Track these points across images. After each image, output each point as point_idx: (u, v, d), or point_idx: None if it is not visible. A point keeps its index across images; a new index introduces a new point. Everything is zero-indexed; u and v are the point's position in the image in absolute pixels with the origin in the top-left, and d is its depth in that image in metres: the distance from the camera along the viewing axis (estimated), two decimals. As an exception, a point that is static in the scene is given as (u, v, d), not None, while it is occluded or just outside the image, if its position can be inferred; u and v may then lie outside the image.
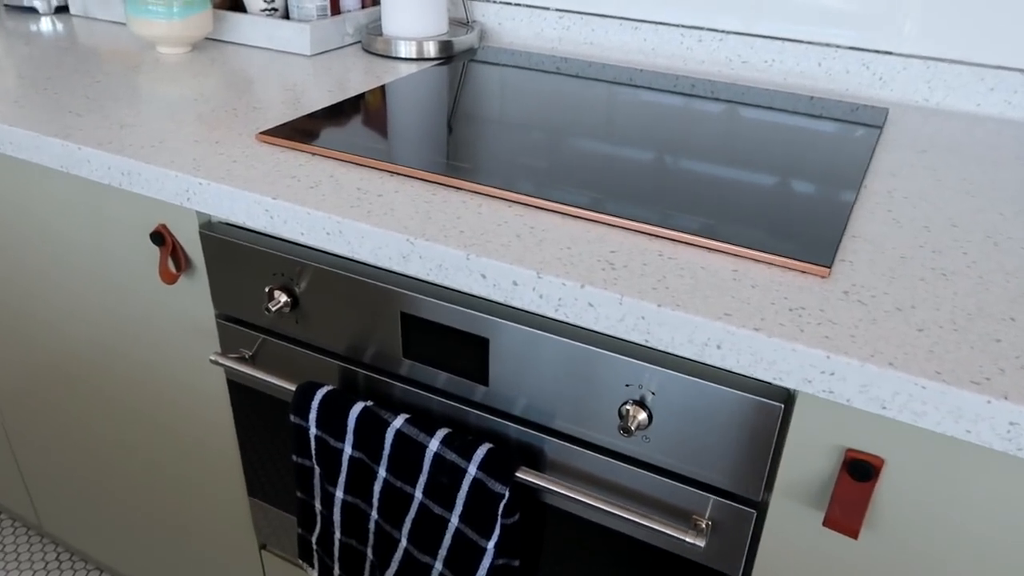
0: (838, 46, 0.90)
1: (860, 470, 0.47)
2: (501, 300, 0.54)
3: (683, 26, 0.97)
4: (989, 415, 0.43)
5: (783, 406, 0.50)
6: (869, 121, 0.82)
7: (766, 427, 0.51)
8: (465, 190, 0.63)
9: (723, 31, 0.95)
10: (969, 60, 0.84)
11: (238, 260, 0.68)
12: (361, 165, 0.67)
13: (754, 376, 0.48)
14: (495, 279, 0.54)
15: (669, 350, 0.50)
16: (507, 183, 0.63)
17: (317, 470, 0.67)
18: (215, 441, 0.83)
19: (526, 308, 0.54)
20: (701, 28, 0.96)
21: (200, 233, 0.69)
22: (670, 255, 0.55)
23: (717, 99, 0.87)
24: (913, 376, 0.44)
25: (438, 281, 0.56)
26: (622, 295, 0.50)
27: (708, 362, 0.49)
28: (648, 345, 0.51)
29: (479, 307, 0.58)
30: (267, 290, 0.67)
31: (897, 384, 0.44)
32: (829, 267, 0.53)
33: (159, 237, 0.71)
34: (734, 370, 0.49)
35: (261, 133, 0.71)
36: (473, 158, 0.68)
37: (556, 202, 0.60)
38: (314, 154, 0.69)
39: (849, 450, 0.48)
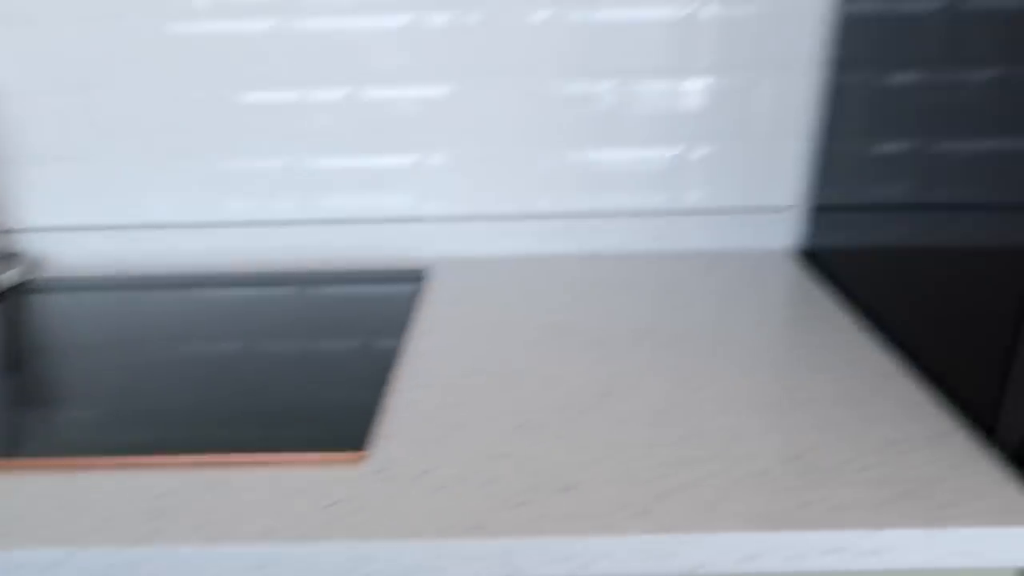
0: (380, 220, 1.02)
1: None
2: (44, 585, 0.52)
3: (238, 223, 1.02)
4: (488, 554, 0.51)
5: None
6: (410, 281, 0.94)
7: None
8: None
9: (277, 221, 1.02)
10: (487, 214, 1.02)
11: None
12: None
13: (306, 581, 0.52)
14: (29, 571, 0.52)
15: (225, 582, 0.52)
16: (50, 447, 0.61)
17: None
18: None
19: (74, 585, 0.52)
20: (256, 222, 1.03)
21: None
22: (215, 482, 0.57)
23: (275, 286, 0.93)
24: (424, 540, 0.51)
25: (-31, 586, 0.52)
26: (163, 547, 0.51)
27: (263, 582, 0.52)
28: (206, 582, 0.52)
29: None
30: None
31: (414, 552, 0.51)
32: (365, 450, 0.60)
33: None
34: (288, 581, 0.52)
35: None
36: (17, 423, 0.65)
37: (101, 455, 0.60)
38: None
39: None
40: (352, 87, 0.94)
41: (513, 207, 1.01)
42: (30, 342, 0.81)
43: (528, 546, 0.51)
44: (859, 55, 0.81)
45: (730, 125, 0.96)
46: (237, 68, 0.94)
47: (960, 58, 0.62)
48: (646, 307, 0.85)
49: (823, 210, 0.92)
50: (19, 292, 0.95)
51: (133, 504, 0.55)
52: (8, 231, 1.03)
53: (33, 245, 1.04)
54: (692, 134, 0.96)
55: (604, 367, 0.72)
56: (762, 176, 0.98)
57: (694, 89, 0.94)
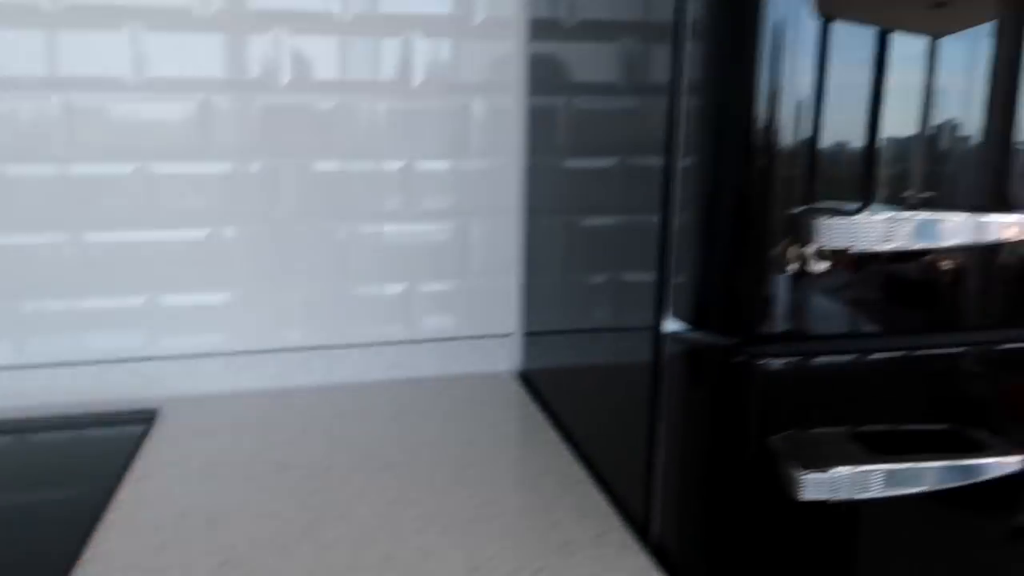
0: (110, 360, 1.00)
1: None
2: None
3: (-54, 370, 0.97)
4: None
5: None
6: (139, 423, 0.93)
7: None
8: None
9: (-7, 366, 0.98)
10: (222, 351, 1.03)
11: None
12: None
13: None
14: None
15: None
16: None
17: None
18: None
19: None
20: (-32, 368, 0.97)
21: None
22: None
23: (-12, 439, 0.88)
24: None
25: None
26: None
27: None
28: None
29: None
30: None
31: None
32: (48, 607, 0.59)
33: None
34: None
35: None
36: None
37: None
38: None
39: None
40: (76, 230, 0.95)
41: (250, 343, 1.04)
42: None
43: None
44: (549, 203, 0.95)
45: (453, 262, 1.07)
46: (-52, 211, 0.91)
47: (627, 205, 0.76)
48: (372, 434, 0.90)
49: (531, 335, 1.03)
50: None
51: None
52: None
53: None
54: (421, 270, 1.06)
55: (318, 497, 0.76)
56: (484, 306, 1.09)
57: (421, 231, 1.04)
